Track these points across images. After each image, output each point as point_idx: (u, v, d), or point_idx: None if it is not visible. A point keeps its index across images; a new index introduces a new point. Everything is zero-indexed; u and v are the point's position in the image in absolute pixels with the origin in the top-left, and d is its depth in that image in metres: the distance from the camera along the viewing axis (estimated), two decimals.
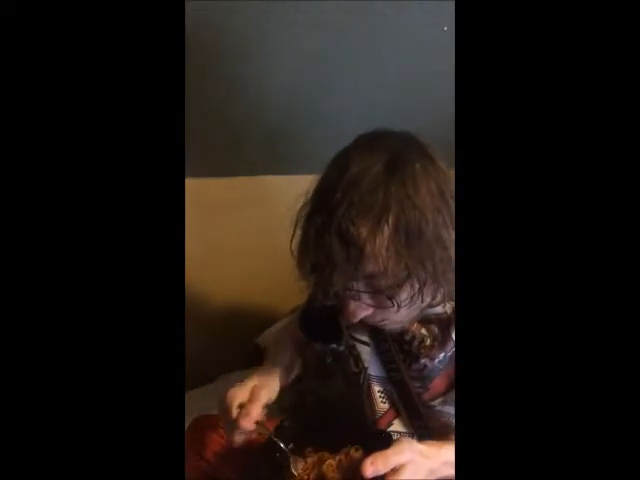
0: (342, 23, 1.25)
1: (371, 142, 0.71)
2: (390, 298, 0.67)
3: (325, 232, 0.65)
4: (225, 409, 0.79)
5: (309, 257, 0.68)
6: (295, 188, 1.54)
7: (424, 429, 0.82)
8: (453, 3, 0.56)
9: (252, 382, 0.82)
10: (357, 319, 0.72)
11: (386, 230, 0.64)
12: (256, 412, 0.77)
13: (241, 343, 1.47)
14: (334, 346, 0.99)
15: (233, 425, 0.78)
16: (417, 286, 0.67)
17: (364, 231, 0.63)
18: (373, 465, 0.64)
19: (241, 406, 0.78)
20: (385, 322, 0.75)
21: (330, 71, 1.31)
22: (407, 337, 0.79)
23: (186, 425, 0.93)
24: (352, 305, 0.70)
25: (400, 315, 0.71)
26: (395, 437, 0.81)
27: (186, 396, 0.72)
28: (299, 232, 0.72)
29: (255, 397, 0.79)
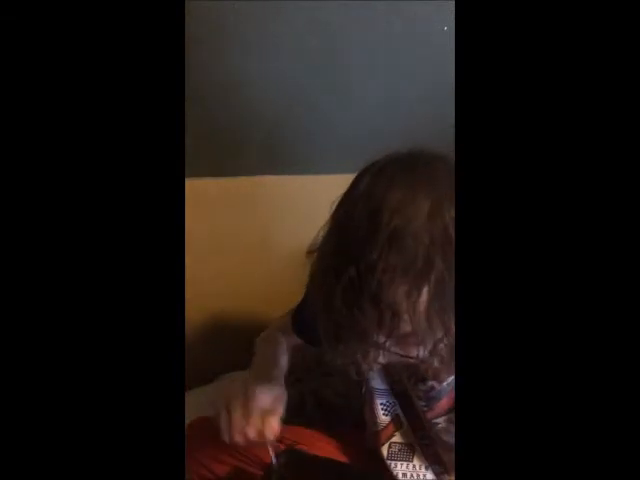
0: (342, 23, 1.25)
1: (406, 178, 0.60)
2: (417, 354, 0.63)
3: (356, 294, 0.57)
4: (245, 413, 0.74)
5: (335, 310, 0.59)
6: (295, 188, 1.54)
7: (427, 439, 0.81)
8: (453, 3, 0.56)
9: (274, 389, 0.78)
10: (378, 365, 0.68)
11: (425, 292, 0.57)
12: (278, 427, 0.74)
13: (241, 343, 1.47)
14: None
15: (248, 432, 0.73)
16: (446, 341, 0.60)
17: (401, 293, 0.56)
18: None
19: (264, 414, 0.74)
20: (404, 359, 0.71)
21: (330, 71, 1.31)
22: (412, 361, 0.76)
23: (186, 425, 0.93)
24: (373, 353, 0.65)
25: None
26: (395, 462, 0.80)
27: (186, 396, 0.72)
28: (317, 271, 0.64)
29: (275, 409, 0.76)
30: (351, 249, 0.58)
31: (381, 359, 0.64)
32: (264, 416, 0.74)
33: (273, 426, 0.74)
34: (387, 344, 0.61)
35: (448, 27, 1.26)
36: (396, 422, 0.83)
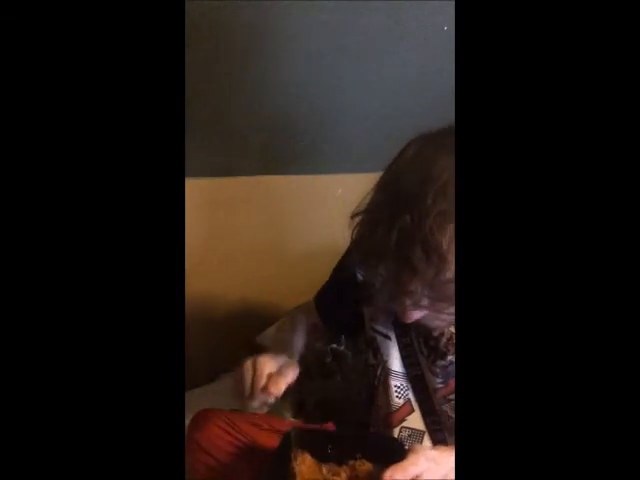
0: (342, 23, 1.25)
1: (452, 145, 0.68)
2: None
3: (409, 236, 0.64)
4: (254, 373, 0.78)
5: (384, 257, 0.67)
6: (295, 188, 1.54)
7: (437, 425, 0.82)
8: (453, 3, 0.56)
9: (281, 359, 0.81)
10: (412, 320, 0.73)
11: None
12: (283, 385, 0.77)
13: (241, 343, 1.47)
14: (334, 345, 0.99)
15: (256, 390, 0.76)
16: None
17: (448, 237, 0.63)
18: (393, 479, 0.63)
19: (269, 376, 0.77)
20: (435, 321, 0.75)
21: (330, 71, 1.31)
22: (435, 333, 0.79)
23: (186, 425, 0.93)
24: (410, 307, 0.70)
25: (452, 317, 0.71)
26: (406, 445, 0.81)
27: (186, 396, 0.72)
28: (366, 227, 0.71)
29: (283, 372, 0.78)
30: (404, 201, 0.66)
31: (425, 302, 0.68)
32: (271, 376, 0.77)
33: (278, 383, 0.76)
34: (431, 289, 0.66)
35: (448, 27, 1.26)
36: (408, 406, 0.84)
